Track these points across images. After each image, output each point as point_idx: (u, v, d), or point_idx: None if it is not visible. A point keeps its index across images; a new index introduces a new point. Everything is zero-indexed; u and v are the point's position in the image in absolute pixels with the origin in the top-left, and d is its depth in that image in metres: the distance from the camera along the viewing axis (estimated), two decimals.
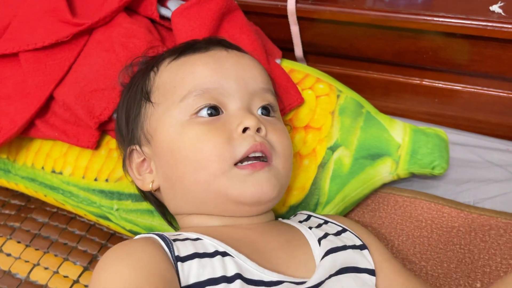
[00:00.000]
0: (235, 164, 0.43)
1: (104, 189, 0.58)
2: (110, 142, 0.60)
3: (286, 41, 0.78)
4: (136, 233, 0.59)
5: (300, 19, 0.74)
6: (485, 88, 0.72)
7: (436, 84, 0.75)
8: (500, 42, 0.64)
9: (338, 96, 0.61)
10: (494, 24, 0.63)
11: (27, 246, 0.64)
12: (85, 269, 0.61)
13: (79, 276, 0.60)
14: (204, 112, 0.45)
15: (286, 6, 0.73)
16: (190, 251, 0.38)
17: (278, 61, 0.68)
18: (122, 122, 0.53)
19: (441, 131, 0.62)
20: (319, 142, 0.57)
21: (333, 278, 0.41)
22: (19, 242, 0.65)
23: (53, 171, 0.61)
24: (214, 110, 0.45)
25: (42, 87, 0.60)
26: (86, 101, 0.58)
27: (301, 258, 0.43)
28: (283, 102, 0.58)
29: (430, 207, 0.62)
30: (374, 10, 0.69)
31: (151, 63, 0.52)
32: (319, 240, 0.45)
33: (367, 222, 0.62)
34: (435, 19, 0.66)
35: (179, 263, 0.37)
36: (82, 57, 0.61)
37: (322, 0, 0.73)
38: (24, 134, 0.61)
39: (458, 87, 0.74)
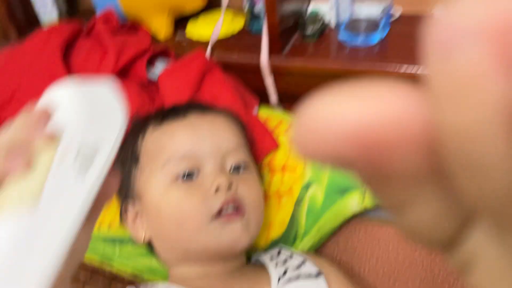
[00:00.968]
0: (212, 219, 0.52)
1: (106, 236, 0.65)
2: None
3: (262, 91, 0.88)
4: (137, 276, 0.66)
5: (273, 71, 0.85)
6: None
7: None
8: None
9: None
10: None
11: None
12: None
13: None
14: (182, 178, 0.53)
15: (259, 61, 0.83)
16: None
17: (255, 108, 0.77)
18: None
19: None
20: (294, 181, 0.65)
21: None
22: None
23: None
24: (192, 173, 0.54)
25: None
26: None
27: None
28: (259, 148, 0.67)
29: (395, 232, 0.71)
30: (336, 63, 0.80)
31: (140, 127, 0.60)
32: (279, 279, 0.53)
33: (342, 249, 0.70)
34: (387, 68, 0.77)
35: None
36: None
37: (291, 55, 0.84)
38: None
39: None
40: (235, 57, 0.87)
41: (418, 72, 0.75)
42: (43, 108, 0.28)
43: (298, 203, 0.65)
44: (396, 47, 0.81)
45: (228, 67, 0.83)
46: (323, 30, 0.89)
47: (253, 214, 0.54)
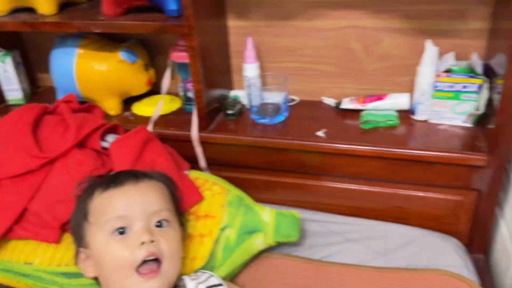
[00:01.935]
0: (139, 267, 0.69)
1: (65, 271, 0.82)
2: (68, 237, 0.85)
3: (193, 158, 1.11)
4: None
5: (202, 142, 1.09)
6: (328, 182, 1.09)
7: (297, 182, 1.11)
8: (325, 154, 1.02)
9: (227, 194, 0.93)
10: (319, 144, 1.01)
11: None
12: None
13: None
14: (117, 233, 0.70)
15: (190, 135, 1.07)
16: None
17: (186, 172, 0.99)
18: (73, 228, 0.80)
19: (295, 212, 0.95)
20: (214, 225, 0.87)
21: None
22: None
23: (26, 263, 0.84)
24: (124, 231, 0.72)
25: (18, 203, 0.85)
26: (52, 210, 0.85)
27: None
28: (187, 201, 0.88)
29: (292, 264, 0.93)
30: (251, 136, 1.06)
31: (89, 190, 0.78)
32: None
33: (251, 279, 0.91)
34: (286, 141, 1.03)
35: None
36: (47, 180, 0.88)
37: (216, 130, 1.09)
38: (4, 237, 0.85)
39: (311, 183, 1.10)
40: (172, 131, 1.10)
41: (305, 144, 1.02)
42: None
43: (216, 242, 0.86)
44: (294, 126, 1.08)
45: (166, 139, 1.06)
46: (242, 111, 1.16)
47: (170, 263, 0.71)
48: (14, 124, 0.93)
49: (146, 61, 1.21)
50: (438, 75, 1.00)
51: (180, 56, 1.10)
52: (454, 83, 0.99)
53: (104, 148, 0.95)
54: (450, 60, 1.01)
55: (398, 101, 1.09)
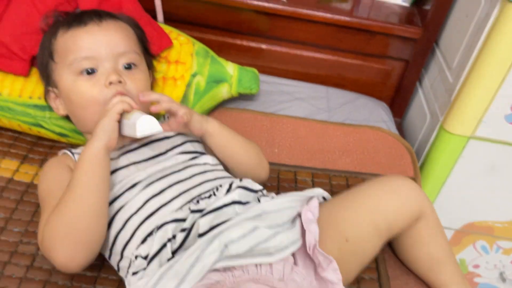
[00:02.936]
0: None
1: (37, 103, 0.83)
2: (38, 72, 0.84)
3: (151, 11, 1.09)
4: (63, 135, 0.85)
5: None
6: (278, 47, 1.17)
7: (251, 45, 1.17)
8: (284, 17, 1.09)
9: (193, 45, 0.97)
10: (280, 7, 1.07)
11: None
12: (21, 163, 0.84)
13: (18, 167, 0.83)
14: (84, 73, 0.70)
15: None
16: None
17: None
18: (40, 67, 0.79)
19: (254, 69, 1.04)
20: (185, 71, 0.92)
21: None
22: None
23: None
24: (92, 71, 0.72)
25: None
26: (19, 41, 0.82)
27: None
28: (157, 45, 0.90)
29: (249, 116, 1.04)
30: None
31: (53, 28, 0.76)
32: None
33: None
34: (247, 1, 1.07)
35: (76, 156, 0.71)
36: (11, 9, 0.83)
37: None
38: None
39: (264, 47, 1.18)
40: None
41: (265, 5, 1.08)
42: None
43: (188, 86, 0.92)
44: None
45: None
46: None
47: (138, 101, 0.72)
48: None
49: None
50: None
51: None
52: None
53: None
54: None
55: None
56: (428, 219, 0.71)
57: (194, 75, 0.93)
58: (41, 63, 0.78)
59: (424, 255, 0.73)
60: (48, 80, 0.77)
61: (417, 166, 0.98)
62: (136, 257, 0.61)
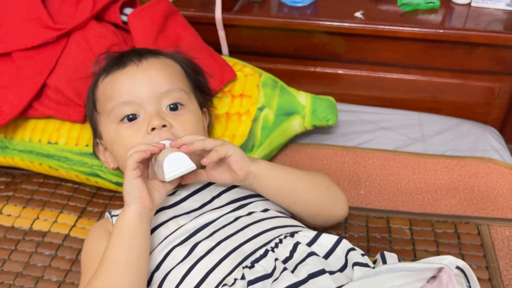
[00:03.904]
0: None
1: (88, 151, 0.76)
2: None
3: (214, 44, 1.02)
4: (121, 184, 0.78)
5: (225, 26, 0.99)
6: (357, 71, 1.03)
7: (326, 71, 1.04)
8: (362, 37, 0.95)
9: (260, 75, 0.86)
10: (357, 25, 0.93)
11: (24, 207, 0.79)
12: (79, 217, 0.77)
13: (76, 221, 0.77)
14: (126, 120, 0.62)
15: (214, 16, 0.98)
16: None
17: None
18: (88, 118, 0.72)
19: (330, 97, 0.90)
20: (251, 105, 0.81)
21: None
22: (15, 205, 0.79)
23: (49, 142, 0.77)
24: (134, 116, 0.63)
25: (36, 77, 0.76)
26: (74, 86, 0.76)
27: None
28: (219, 78, 0.81)
29: (328, 151, 0.90)
30: (277, 17, 0.97)
31: (97, 75, 0.69)
32: None
33: (288, 164, 0.87)
34: (320, 22, 0.95)
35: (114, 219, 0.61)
36: (66, 54, 0.79)
37: (241, 12, 0.99)
38: (23, 115, 0.77)
39: (341, 72, 1.04)
40: (193, 12, 1.00)
41: (340, 25, 0.95)
42: None
43: (254, 121, 0.80)
44: (326, 7, 1.00)
45: None
46: None
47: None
48: None
49: None
50: None
51: None
52: None
53: (125, 23, 0.85)
54: None
55: None
56: None
57: (261, 109, 0.81)
58: (88, 113, 0.72)
59: None
60: (95, 131, 0.70)
61: None
62: None
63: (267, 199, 0.63)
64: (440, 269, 0.47)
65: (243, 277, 0.50)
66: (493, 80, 0.97)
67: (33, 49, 0.78)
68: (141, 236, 0.53)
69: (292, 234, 0.56)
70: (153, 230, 0.59)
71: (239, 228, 0.57)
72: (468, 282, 0.49)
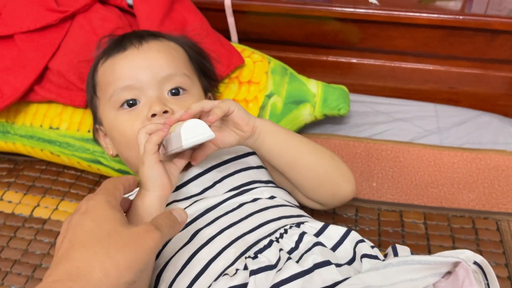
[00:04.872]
0: None
1: (90, 137, 0.74)
2: None
3: (223, 31, 0.99)
4: (122, 171, 0.75)
5: (234, 12, 0.96)
6: (371, 60, 0.99)
7: (339, 60, 1.00)
8: (377, 23, 0.91)
9: (269, 62, 0.83)
10: (372, 11, 0.89)
11: (25, 194, 0.77)
12: None
13: None
14: (125, 105, 0.60)
15: (223, 1, 0.95)
16: None
17: None
18: (88, 103, 0.70)
19: (343, 86, 0.86)
20: (259, 91, 0.78)
21: None
22: (16, 191, 0.77)
23: (51, 128, 0.75)
24: (133, 102, 0.60)
25: (37, 60, 0.74)
26: (76, 69, 0.74)
27: None
28: (226, 63, 0.77)
29: (340, 142, 0.86)
30: (288, 3, 0.93)
31: (96, 59, 0.67)
32: None
33: None
34: (332, 8, 0.91)
35: None
36: (69, 37, 0.77)
37: None
38: (24, 99, 0.75)
39: (354, 61, 1.00)
40: None
41: (354, 11, 0.91)
42: None
43: (262, 108, 0.77)
44: None
45: None
46: None
47: None
48: None
49: None
50: None
51: None
52: None
53: (130, 6, 0.82)
54: None
55: None
56: None
57: (269, 96, 0.78)
58: (88, 99, 0.70)
59: None
60: (95, 117, 0.68)
61: None
62: None
63: (273, 186, 0.60)
64: (456, 264, 0.44)
65: (245, 268, 0.47)
66: None
67: (36, 31, 0.76)
68: None
69: (298, 225, 0.52)
70: None
71: (243, 216, 0.54)
72: (486, 279, 0.46)
